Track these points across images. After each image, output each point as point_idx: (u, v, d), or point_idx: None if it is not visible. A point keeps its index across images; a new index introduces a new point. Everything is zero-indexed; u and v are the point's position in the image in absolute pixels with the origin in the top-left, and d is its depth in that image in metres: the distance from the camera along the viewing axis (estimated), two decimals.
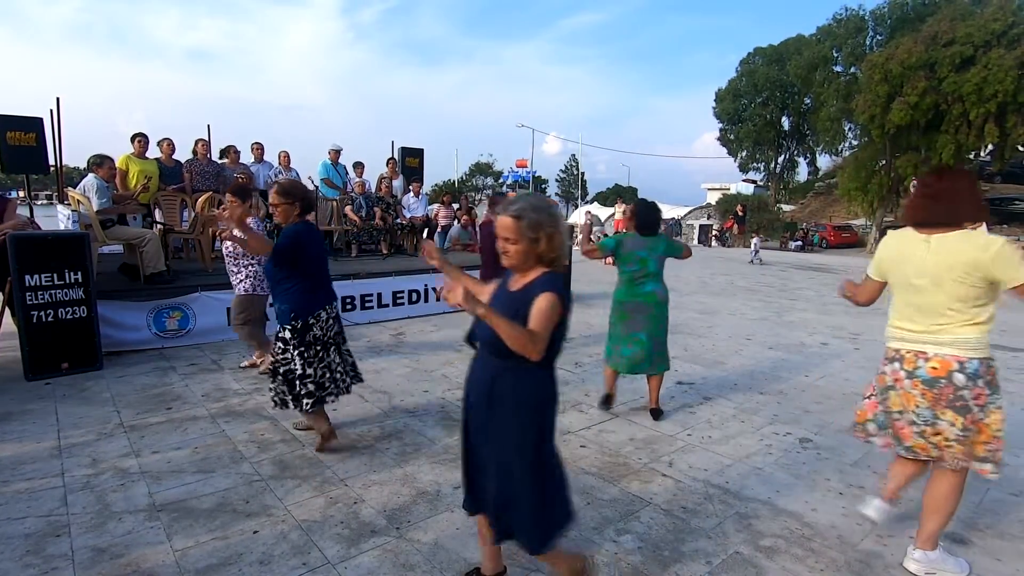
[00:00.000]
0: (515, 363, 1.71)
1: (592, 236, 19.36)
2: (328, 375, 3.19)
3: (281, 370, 3.11)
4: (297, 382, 3.08)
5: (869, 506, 2.55)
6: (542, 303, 1.65)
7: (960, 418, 2.13)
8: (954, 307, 2.10)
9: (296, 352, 3.07)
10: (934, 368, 2.15)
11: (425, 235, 9.60)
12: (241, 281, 4.41)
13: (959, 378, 2.11)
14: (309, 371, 3.10)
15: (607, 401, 4.04)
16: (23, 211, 5.85)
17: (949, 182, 2.18)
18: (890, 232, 2.34)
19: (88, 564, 2.19)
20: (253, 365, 4.74)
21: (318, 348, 3.13)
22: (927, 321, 2.16)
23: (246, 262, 4.38)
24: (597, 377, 4.75)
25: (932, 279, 2.11)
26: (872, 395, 2.42)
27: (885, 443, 2.37)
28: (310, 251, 3.12)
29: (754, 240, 18.48)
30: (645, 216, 3.82)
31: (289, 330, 3.07)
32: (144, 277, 5.49)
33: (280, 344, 3.11)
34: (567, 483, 1.89)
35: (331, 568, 2.20)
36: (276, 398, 3.16)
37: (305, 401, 3.09)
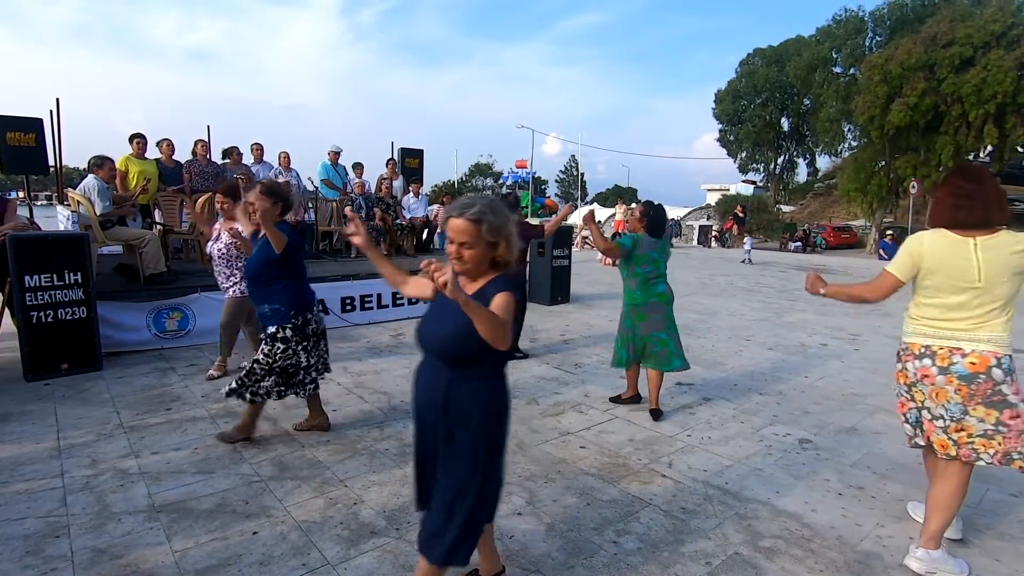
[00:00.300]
0: (469, 371, 1.69)
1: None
2: (321, 360, 3.40)
3: (283, 364, 3.18)
4: (301, 372, 3.28)
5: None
6: (500, 300, 1.61)
7: (995, 413, 2.16)
8: (996, 306, 2.16)
9: (300, 347, 3.22)
10: (973, 364, 2.18)
11: (425, 236, 9.60)
12: (236, 284, 4.38)
13: (998, 373, 2.16)
14: (312, 360, 3.31)
15: (636, 400, 4.13)
16: (23, 212, 5.84)
17: (978, 183, 2.22)
18: (921, 233, 2.32)
19: (87, 565, 2.19)
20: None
21: (315, 340, 3.30)
22: (967, 320, 2.20)
23: (240, 264, 4.36)
24: (597, 378, 4.75)
25: (985, 280, 2.15)
26: (899, 394, 2.45)
27: (925, 439, 2.39)
28: (300, 250, 3.33)
29: (746, 240, 18.63)
30: (656, 218, 3.89)
31: (291, 328, 3.15)
32: (144, 278, 5.49)
33: (280, 344, 3.14)
34: (498, 497, 1.88)
35: (331, 569, 2.20)
36: (265, 393, 3.21)
37: (309, 387, 3.35)
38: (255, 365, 3.16)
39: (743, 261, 16.89)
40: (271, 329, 3.16)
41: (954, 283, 2.20)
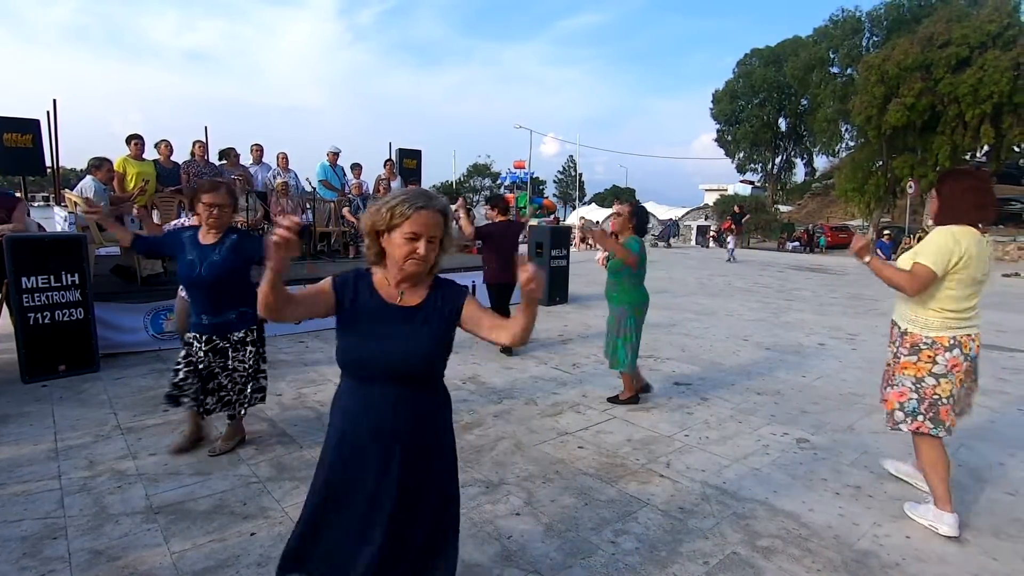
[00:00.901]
0: (428, 388, 1.56)
1: (589, 240, 19.45)
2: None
3: (250, 370, 3.11)
4: (260, 377, 3.18)
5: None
6: (478, 305, 1.58)
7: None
8: (981, 293, 2.48)
9: (259, 351, 3.15)
10: (979, 346, 2.51)
11: None
12: None
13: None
14: (266, 369, 3.24)
15: (635, 400, 4.16)
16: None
17: (990, 185, 2.48)
18: (951, 228, 2.42)
19: (85, 566, 2.19)
20: None
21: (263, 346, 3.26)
22: (970, 308, 2.47)
23: None
24: (595, 378, 4.75)
25: (987, 273, 2.45)
26: (894, 384, 2.60)
27: (915, 427, 2.55)
28: None
29: (730, 239, 18.80)
30: (644, 219, 4.06)
31: (256, 330, 3.11)
32: (141, 279, 5.49)
33: (251, 348, 3.08)
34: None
35: None
36: (249, 404, 3.16)
37: (257, 396, 3.19)
38: (237, 375, 3.07)
39: (730, 259, 17.22)
40: (239, 335, 3.04)
41: (974, 276, 2.40)
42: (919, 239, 2.72)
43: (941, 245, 2.39)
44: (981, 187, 2.44)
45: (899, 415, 2.58)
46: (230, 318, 3.01)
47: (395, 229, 1.45)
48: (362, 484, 1.51)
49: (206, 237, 2.95)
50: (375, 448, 1.50)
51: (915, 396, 2.52)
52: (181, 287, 2.99)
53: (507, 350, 5.45)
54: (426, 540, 1.57)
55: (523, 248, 8.49)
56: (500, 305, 5.49)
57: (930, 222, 2.58)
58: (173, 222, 4.31)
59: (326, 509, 1.55)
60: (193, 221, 3.18)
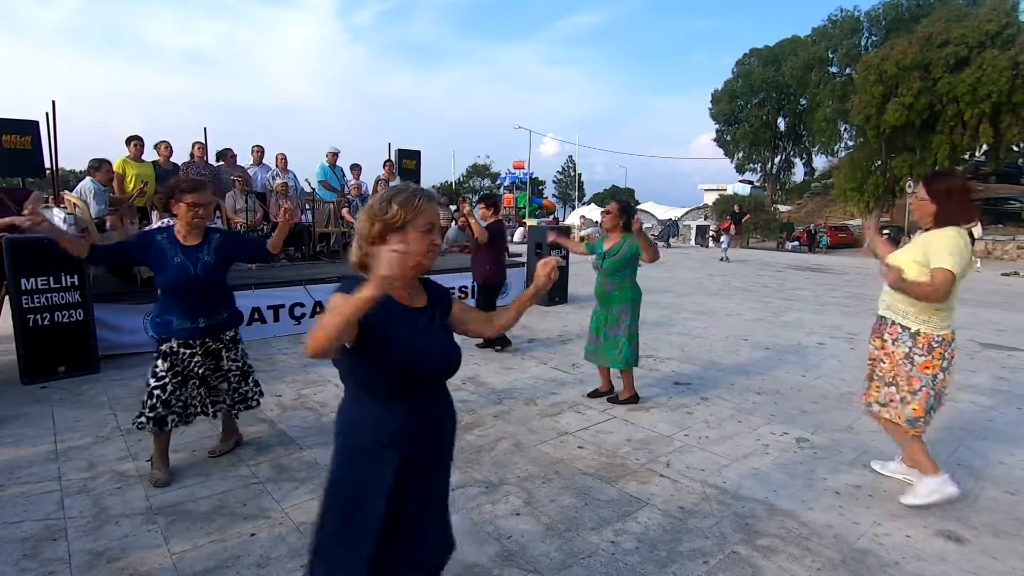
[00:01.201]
0: (446, 386, 1.58)
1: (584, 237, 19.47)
2: None
3: (244, 367, 3.14)
4: (252, 372, 3.18)
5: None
6: (460, 300, 1.66)
7: None
8: None
9: (244, 347, 3.14)
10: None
11: None
12: None
13: None
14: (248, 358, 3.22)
15: (634, 399, 4.17)
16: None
17: (970, 183, 2.65)
18: (958, 229, 2.51)
19: (85, 568, 2.19)
20: None
21: None
22: (955, 304, 2.61)
23: None
24: (595, 378, 4.74)
25: None
26: (921, 387, 2.65)
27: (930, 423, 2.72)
28: None
29: (724, 238, 18.81)
30: (633, 215, 4.10)
31: (237, 330, 3.10)
32: (141, 280, 5.49)
33: (241, 345, 3.11)
34: None
35: None
36: (253, 400, 3.18)
37: (257, 392, 3.19)
38: (231, 375, 3.05)
39: (721, 259, 17.27)
40: (231, 333, 3.02)
41: (965, 273, 2.50)
42: None
43: (956, 247, 2.45)
44: (968, 187, 2.58)
45: (929, 418, 2.69)
46: (223, 318, 2.97)
47: (409, 224, 1.38)
48: (420, 497, 1.47)
49: (188, 238, 2.81)
50: (435, 459, 1.50)
51: (933, 393, 2.64)
52: (160, 291, 2.90)
53: (504, 345, 5.51)
54: (441, 540, 1.61)
55: (522, 248, 8.50)
56: (488, 304, 5.53)
57: (928, 227, 2.62)
58: (157, 223, 4.32)
59: (386, 535, 1.41)
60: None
